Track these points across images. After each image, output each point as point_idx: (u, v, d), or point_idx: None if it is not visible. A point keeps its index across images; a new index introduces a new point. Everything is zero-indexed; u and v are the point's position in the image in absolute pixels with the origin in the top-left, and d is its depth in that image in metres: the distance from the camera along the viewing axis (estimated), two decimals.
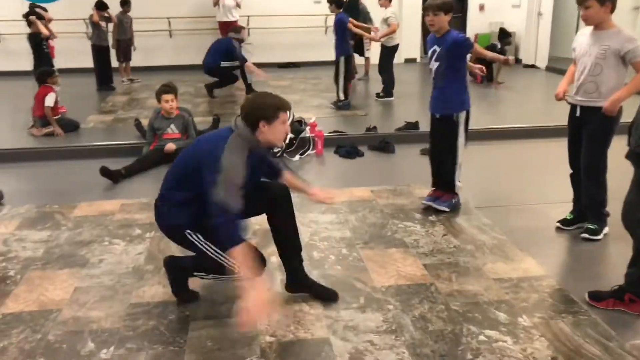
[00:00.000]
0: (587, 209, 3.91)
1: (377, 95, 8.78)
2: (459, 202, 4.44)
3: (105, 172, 5.21)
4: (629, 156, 2.84)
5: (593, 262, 3.61)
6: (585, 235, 3.85)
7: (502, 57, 4.74)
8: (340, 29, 7.86)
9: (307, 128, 6.21)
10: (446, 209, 4.35)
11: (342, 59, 7.94)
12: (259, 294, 2.49)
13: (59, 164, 5.86)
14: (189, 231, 2.87)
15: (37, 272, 3.49)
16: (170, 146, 5.66)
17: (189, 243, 2.91)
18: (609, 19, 3.54)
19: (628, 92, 3.49)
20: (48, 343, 2.77)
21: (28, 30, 8.24)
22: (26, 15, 8.29)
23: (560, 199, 4.31)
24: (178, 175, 2.93)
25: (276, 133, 2.84)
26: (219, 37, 10.06)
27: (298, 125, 6.17)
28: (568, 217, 4.05)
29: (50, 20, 8.57)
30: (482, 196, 4.70)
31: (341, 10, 7.94)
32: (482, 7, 12.77)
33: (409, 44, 12.52)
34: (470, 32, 12.27)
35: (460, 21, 13.30)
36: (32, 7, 8.48)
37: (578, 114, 3.77)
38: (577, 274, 3.48)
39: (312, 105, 8.30)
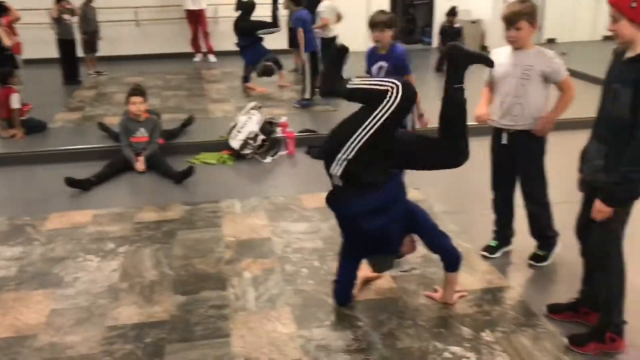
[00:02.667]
0: (536, 235, 3.78)
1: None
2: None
3: (71, 182, 5.15)
4: (582, 186, 2.97)
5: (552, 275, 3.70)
6: (532, 262, 3.75)
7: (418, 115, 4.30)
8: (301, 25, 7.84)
9: (278, 129, 6.24)
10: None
11: (306, 55, 7.93)
12: None
13: (27, 169, 5.82)
14: None
15: (11, 294, 3.51)
16: (138, 167, 5.60)
17: None
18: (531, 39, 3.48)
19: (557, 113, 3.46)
20: None
21: None
22: None
23: None
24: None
25: None
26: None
27: (269, 127, 6.18)
28: (492, 245, 3.86)
29: (17, 19, 8.26)
30: None
31: (300, 7, 7.99)
32: None
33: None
34: (437, 20, 12.36)
35: (427, 8, 13.38)
36: None
37: (505, 141, 3.59)
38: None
39: (283, 100, 8.33)
